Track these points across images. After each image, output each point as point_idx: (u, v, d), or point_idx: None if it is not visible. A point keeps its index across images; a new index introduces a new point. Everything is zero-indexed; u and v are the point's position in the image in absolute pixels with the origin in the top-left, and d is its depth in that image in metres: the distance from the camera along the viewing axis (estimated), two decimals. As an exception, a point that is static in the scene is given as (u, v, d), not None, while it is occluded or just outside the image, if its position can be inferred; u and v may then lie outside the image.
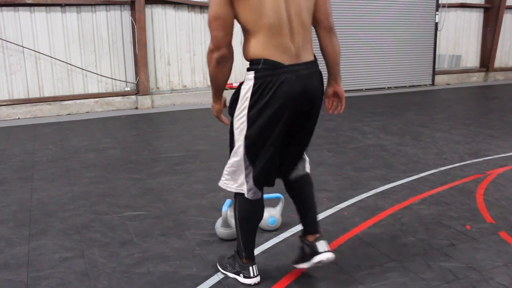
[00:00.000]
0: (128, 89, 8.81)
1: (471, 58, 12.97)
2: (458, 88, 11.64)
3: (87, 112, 8.38)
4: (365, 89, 10.96)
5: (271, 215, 3.20)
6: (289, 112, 2.30)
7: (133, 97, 8.73)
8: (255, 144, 2.34)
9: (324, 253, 2.50)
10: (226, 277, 2.66)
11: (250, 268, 2.58)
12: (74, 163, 5.07)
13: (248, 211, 2.52)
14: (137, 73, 8.71)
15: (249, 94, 2.28)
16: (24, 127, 7.17)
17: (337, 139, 6.02)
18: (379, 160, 5.05)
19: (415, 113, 7.91)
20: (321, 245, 2.53)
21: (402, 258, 2.85)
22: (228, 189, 2.51)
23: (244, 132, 2.33)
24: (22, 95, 8.06)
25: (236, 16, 2.28)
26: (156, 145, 5.90)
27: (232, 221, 3.07)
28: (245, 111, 2.30)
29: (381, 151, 5.40)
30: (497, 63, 13.15)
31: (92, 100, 8.45)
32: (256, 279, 2.57)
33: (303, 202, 2.67)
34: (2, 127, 7.19)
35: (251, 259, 2.61)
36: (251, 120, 2.30)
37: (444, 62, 12.36)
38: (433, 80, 11.91)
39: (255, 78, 2.26)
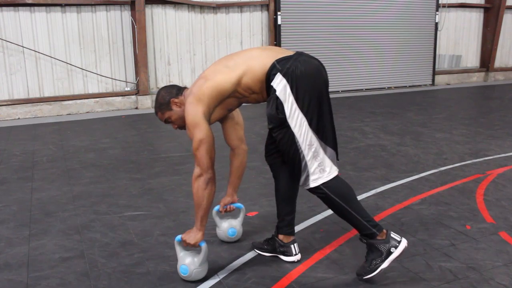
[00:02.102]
0: (128, 89, 8.81)
1: (471, 58, 12.97)
2: (458, 88, 11.64)
3: (87, 112, 8.38)
4: (365, 89, 10.97)
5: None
6: (323, 82, 2.48)
7: (133, 97, 8.73)
8: (319, 123, 2.42)
9: (297, 255, 2.81)
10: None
11: (392, 235, 2.50)
12: (74, 163, 5.07)
13: (346, 187, 2.51)
14: (137, 73, 8.71)
15: (288, 89, 2.35)
16: (24, 127, 7.17)
17: (337, 139, 6.01)
18: (379, 160, 5.05)
19: (415, 113, 7.91)
20: (295, 247, 2.82)
21: (402, 258, 2.85)
22: (322, 183, 2.43)
23: (305, 122, 2.38)
24: (22, 95, 8.06)
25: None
26: (156, 145, 5.90)
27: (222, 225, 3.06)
28: (295, 105, 2.35)
29: (381, 151, 5.40)
30: (497, 63, 13.16)
31: (92, 100, 8.45)
32: (404, 242, 2.50)
33: (290, 202, 2.83)
34: (2, 127, 7.19)
35: (382, 229, 2.51)
36: (304, 107, 2.36)
37: (444, 62, 12.36)
38: (433, 80, 11.92)
39: (283, 75, 2.36)
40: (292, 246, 2.81)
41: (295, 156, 2.42)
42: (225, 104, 2.55)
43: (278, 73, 2.37)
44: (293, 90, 2.35)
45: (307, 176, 2.44)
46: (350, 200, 2.49)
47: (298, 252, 2.82)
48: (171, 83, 2.80)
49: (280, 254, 2.83)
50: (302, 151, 2.41)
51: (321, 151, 2.44)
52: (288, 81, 2.35)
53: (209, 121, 2.51)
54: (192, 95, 2.48)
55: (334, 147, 2.53)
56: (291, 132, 2.39)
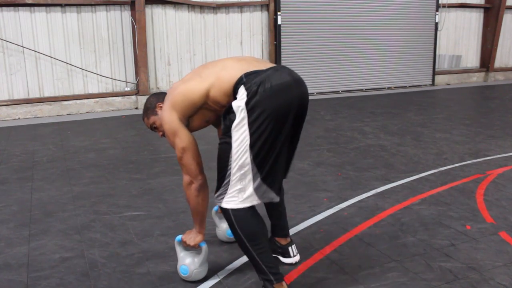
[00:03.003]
0: (128, 89, 8.81)
1: (471, 58, 12.97)
2: (458, 88, 11.64)
3: (87, 112, 8.38)
4: (365, 89, 10.96)
5: (184, 264, 2.63)
6: (292, 103, 2.23)
7: (133, 97, 8.73)
8: (264, 148, 2.18)
9: (295, 257, 2.79)
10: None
11: None
12: (74, 163, 5.07)
13: (257, 224, 2.29)
14: (137, 73, 8.71)
15: (244, 102, 2.15)
16: (24, 127, 7.17)
17: (337, 139, 6.02)
18: (379, 160, 5.05)
19: (415, 113, 7.91)
20: (293, 249, 2.79)
21: (402, 258, 2.85)
22: (231, 208, 2.25)
23: (248, 142, 2.17)
24: (22, 95, 8.06)
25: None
26: (156, 145, 5.90)
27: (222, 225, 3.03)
28: (245, 120, 2.15)
29: (381, 151, 5.40)
30: (497, 63, 13.15)
31: (92, 100, 8.45)
32: None
33: (276, 206, 2.73)
34: (2, 127, 7.19)
35: (281, 279, 2.33)
36: (254, 125, 2.14)
37: (444, 62, 12.36)
38: (433, 80, 11.91)
39: (246, 88, 2.17)
40: (289, 248, 2.78)
41: (222, 168, 2.27)
42: (201, 115, 2.42)
43: (242, 86, 2.18)
44: (248, 104, 2.12)
45: (223, 194, 2.27)
46: (256, 239, 2.27)
47: (297, 254, 2.80)
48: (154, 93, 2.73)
49: (279, 255, 2.83)
50: (230, 168, 2.22)
51: (248, 178, 2.21)
52: (248, 94, 2.14)
53: (188, 128, 2.41)
54: (167, 101, 2.41)
55: (272, 182, 2.26)
56: (229, 144, 2.21)
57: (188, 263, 2.59)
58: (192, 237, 2.56)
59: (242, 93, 2.17)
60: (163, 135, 2.59)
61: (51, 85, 8.25)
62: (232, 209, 2.26)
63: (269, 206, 2.76)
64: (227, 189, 2.26)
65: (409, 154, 5.27)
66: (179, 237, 2.66)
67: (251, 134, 2.14)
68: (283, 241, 2.81)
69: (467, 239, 3.11)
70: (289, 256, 2.79)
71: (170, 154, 5.38)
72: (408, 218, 3.46)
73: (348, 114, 7.85)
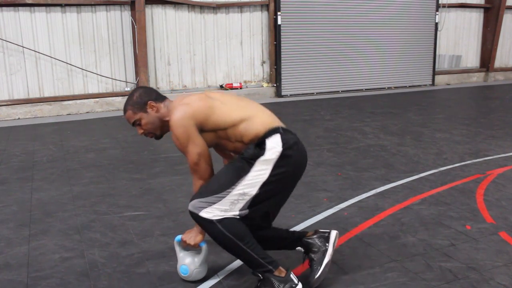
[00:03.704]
0: (128, 89, 8.81)
1: (471, 58, 12.97)
2: (458, 88, 11.64)
3: (87, 112, 8.38)
4: (365, 89, 10.97)
5: (184, 263, 2.61)
6: (300, 175, 2.51)
7: (133, 97, 8.72)
8: (263, 198, 2.34)
9: (333, 230, 2.65)
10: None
11: (291, 275, 2.36)
12: (74, 163, 5.07)
13: (242, 226, 2.34)
14: (137, 73, 8.71)
15: (278, 152, 2.32)
16: (24, 127, 7.17)
17: (337, 139, 6.02)
18: (379, 160, 5.05)
19: (415, 113, 7.91)
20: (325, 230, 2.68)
21: (402, 258, 2.85)
22: (215, 219, 2.28)
23: (260, 182, 2.31)
24: (22, 95, 8.06)
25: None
26: (156, 145, 5.90)
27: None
28: (271, 164, 2.31)
29: (381, 151, 5.40)
30: (497, 63, 13.16)
31: (92, 100, 8.45)
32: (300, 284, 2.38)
33: (275, 231, 2.69)
34: (2, 127, 7.19)
35: (278, 265, 2.37)
36: (273, 176, 2.32)
37: (444, 62, 12.36)
38: (433, 80, 11.92)
39: (282, 139, 2.35)
40: (291, 275, 2.40)
41: (226, 182, 2.33)
42: (209, 136, 2.44)
43: (279, 135, 2.35)
44: (283, 152, 2.31)
45: (206, 204, 2.31)
46: (246, 236, 2.32)
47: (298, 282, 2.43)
48: (144, 86, 2.65)
49: (323, 244, 2.59)
50: (234, 188, 2.31)
51: (238, 206, 2.31)
52: (283, 145, 2.32)
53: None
54: (187, 107, 2.37)
55: (251, 222, 2.39)
56: (247, 169, 2.32)
57: (188, 263, 2.59)
58: (192, 236, 2.55)
59: (277, 140, 2.33)
60: (144, 133, 2.54)
61: (51, 85, 8.25)
62: (217, 220, 2.30)
63: (274, 236, 2.67)
64: (214, 202, 2.31)
65: (409, 154, 5.27)
66: (178, 237, 2.65)
67: (270, 175, 2.31)
68: (311, 233, 2.66)
69: (467, 239, 3.11)
70: (329, 234, 2.61)
71: (170, 154, 5.38)
72: (408, 218, 3.46)
73: (348, 114, 7.85)
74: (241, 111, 2.43)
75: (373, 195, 3.97)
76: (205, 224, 2.34)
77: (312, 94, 10.34)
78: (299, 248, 2.60)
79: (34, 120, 7.72)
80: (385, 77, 11.25)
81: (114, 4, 8.47)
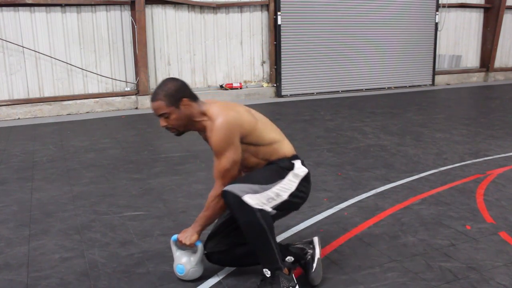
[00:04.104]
0: (128, 89, 8.81)
1: (471, 58, 12.97)
2: (458, 88, 11.64)
3: (87, 112, 8.38)
4: (365, 89, 10.96)
5: (180, 263, 2.61)
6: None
7: (133, 97, 8.73)
8: (285, 208, 2.54)
9: (314, 237, 2.74)
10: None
11: (293, 275, 2.47)
12: (74, 163, 5.07)
13: (272, 221, 2.43)
14: (137, 73, 8.71)
15: (304, 173, 2.56)
16: (24, 127, 7.17)
17: (337, 139, 6.02)
18: (379, 160, 5.05)
19: (415, 113, 7.91)
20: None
21: (402, 258, 2.85)
22: (253, 204, 2.34)
23: (290, 191, 2.49)
24: (22, 95, 8.06)
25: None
26: (156, 145, 5.90)
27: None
28: (298, 180, 2.54)
29: (381, 151, 5.40)
30: (497, 63, 13.15)
31: (92, 100, 8.45)
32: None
33: None
34: (2, 127, 7.19)
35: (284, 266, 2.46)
36: (299, 192, 2.54)
37: (444, 62, 12.36)
38: (433, 80, 11.92)
39: (303, 165, 2.61)
40: (292, 275, 2.50)
41: (268, 178, 2.45)
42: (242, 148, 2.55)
43: (299, 161, 2.60)
44: (306, 176, 2.57)
45: (253, 193, 2.35)
46: (273, 231, 2.40)
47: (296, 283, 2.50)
48: (178, 78, 2.61)
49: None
50: (274, 185, 2.43)
51: (272, 205, 2.40)
52: (306, 171, 2.58)
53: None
54: (237, 115, 2.42)
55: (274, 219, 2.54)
56: (283, 175, 2.49)
57: (184, 262, 2.59)
58: (188, 236, 2.55)
59: (300, 165, 2.58)
60: (167, 126, 2.49)
61: (51, 85, 8.25)
62: (258, 208, 2.33)
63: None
64: (258, 192, 2.37)
65: (409, 154, 5.27)
66: (174, 236, 2.65)
67: (296, 189, 2.52)
68: (294, 243, 2.76)
69: (467, 239, 3.11)
70: (312, 242, 2.69)
71: (170, 154, 5.38)
72: (408, 218, 3.46)
73: (348, 114, 7.85)
74: (275, 132, 2.60)
75: (373, 195, 3.97)
76: (244, 209, 2.32)
77: (312, 94, 10.34)
78: (289, 258, 2.59)
79: (34, 120, 7.72)
80: (385, 77, 11.25)
81: (114, 4, 8.47)
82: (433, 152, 5.34)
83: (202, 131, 2.52)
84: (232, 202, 2.33)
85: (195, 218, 3.49)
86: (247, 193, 2.33)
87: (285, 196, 2.45)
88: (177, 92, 2.45)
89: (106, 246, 3.08)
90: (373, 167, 4.78)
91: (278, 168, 2.50)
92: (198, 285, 2.59)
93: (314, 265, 2.56)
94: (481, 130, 6.47)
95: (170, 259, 2.88)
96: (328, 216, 3.51)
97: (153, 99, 2.48)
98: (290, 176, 2.50)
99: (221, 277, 2.66)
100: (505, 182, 4.25)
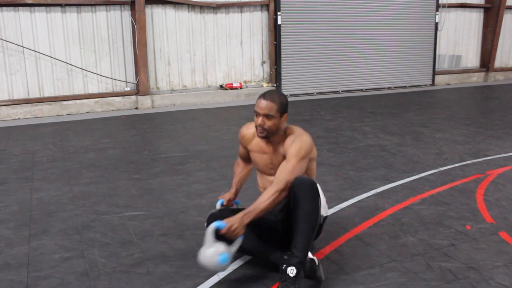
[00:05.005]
0: (128, 89, 8.81)
1: (471, 58, 12.97)
2: (458, 88, 11.64)
3: (87, 112, 8.38)
4: (365, 89, 10.96)
5: (223, 251, 2.47)
6: None
7: (133, 97, 8.73)
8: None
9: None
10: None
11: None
12: (74, 163, 5.07)
13: None
14: (137, 73, 8.71)
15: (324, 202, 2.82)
16: (24, 127, 7.17)
17: (337, 139, 6.02)
18: (379, 160, 5.05)
19: (415, 113, 7.90)
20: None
21: (402, 258, 2.85)
22: (321, 196, 2.70)
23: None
24: (22, 95, 8.06)
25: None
26: (156, 145, 5.90)
27: None
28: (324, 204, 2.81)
29: (381, 151, 5.40)
30: (497, 63, 13.16)
31: (92, 100, 8.45)
32: None
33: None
34: (2, 127, 7.19)
35: None
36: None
37: (444, 62, 12.36)
38: (433, 80, 11.92)
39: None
40: None
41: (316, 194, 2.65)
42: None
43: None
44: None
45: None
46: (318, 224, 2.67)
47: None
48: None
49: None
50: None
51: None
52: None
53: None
54: (312, 142, 2.78)
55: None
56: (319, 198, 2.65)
57: (228, 251, 2.45)
58: (239, 228, 2.46)
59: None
60: (259, 127, 2.70)
61: (51, 85, 8.25)
62: (321, 200, 2.64)
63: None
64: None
65: (409, 154, 5.27)
66: (218, 224, 2.48)
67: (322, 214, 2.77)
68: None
69: (467, 239, 3.11)
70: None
71: (170, 154, 5.38)
72: (408, 218, 3.46)
73: (348, 114, 7.85)
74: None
75: (373, 195, 3.97)
76: (314, 193, 2.57)
77: (312, 94, 10.34)
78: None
79: (34, 120, 7.72)
80: (385, 77, 11.25)
81: (114, 4, 8.47)
82: (433, 152, 5.34)
83: (279, 142, 2.77)
84: (308, 184, 2.56)
85: (195, 218, 3.51)
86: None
87: (322, 212, 2.70)
88: (287, 106, 2.76)
89: (106, 246, 3.08)
90: (373, 167, 4.78)
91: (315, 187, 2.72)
92: (198, 285, 2.59)
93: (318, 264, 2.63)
94: (481, 130, 6.47)
95: (170, 259, 2.88)
96: (328, 216, 3.50)
97: (268, 99, 2.70)
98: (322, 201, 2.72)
99: (221, 277, 2.66)
100: (505, 182, 4.24)
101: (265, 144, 2.84)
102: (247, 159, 3.11)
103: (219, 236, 2.47)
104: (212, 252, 2.44)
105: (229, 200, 3.02)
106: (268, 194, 2.56)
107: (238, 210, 2.66)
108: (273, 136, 2.75)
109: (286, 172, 2.61)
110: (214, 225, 2.48)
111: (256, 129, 2.73)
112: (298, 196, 2.53)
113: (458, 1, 12.11)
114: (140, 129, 6.95)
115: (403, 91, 10.95)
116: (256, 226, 2.64)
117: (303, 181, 2.57)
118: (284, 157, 2.72)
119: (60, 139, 6.29)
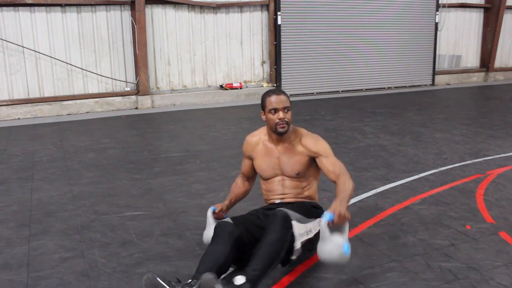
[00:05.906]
0: (128, 89, 8.81)
1: (471, 58, 12.97)
2: (458, 88, 11.64)
3: (87, 112, 8.38)
4: (365, 89, 10.96)
5: (342, 241, 2.50)
6: None
7: (133, 97, 8.73)
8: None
9: None
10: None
11: None
12: (74, 163, 5.07)
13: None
14: (137, 73, 8.71)
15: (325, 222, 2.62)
16: (24, 127, 7.17)
17: (337, 139, 6.02)
18: (379, 160, 5.05)
19: (415, 113, 7.90)
20: None
21: (402, 258, 2.85)
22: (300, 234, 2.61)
23: (315, 232, 2.70)
24: (22, 95, 8.06)
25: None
26: (156, 145, 5.90)
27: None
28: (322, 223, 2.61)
29: (381, 151, 5.40)
30: (497, 63, 13.15)
31: (92, 100, 8.45)
32: None
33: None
34: (2, 127, 7.19)
35: None
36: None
37: (444, 62, 12.36)
38: (433, 80, 11.91)
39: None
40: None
41: (310, 215, 2.81)
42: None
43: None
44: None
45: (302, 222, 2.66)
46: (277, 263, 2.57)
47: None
48: None
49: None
50: (308, 227, 2.67)
51: (302, 239, 2.57)
52: None
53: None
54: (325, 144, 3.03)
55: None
56: (318, 216, 2.79)
57: (346, 240, 2.48)
58: (345, 213, 2.53)
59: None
60: (286, 119, 2.78)
61: (51, 85, 8.25)
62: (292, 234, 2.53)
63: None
64: (300, 221, 2.65)
65: (409, 154, 5.27)
66: (331, 216, 2.50)
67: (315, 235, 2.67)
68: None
69: (467, 239, 3.11)
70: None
71: (170, 154, 5.38)
72: (408, 218, 3.46)
73: (348, 114, 7.85)
74: None
75: (373, 195, 3.97)
76: (286, 230, 2.50)
77: (312, 94, 10.34)
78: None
79: (34, 120, 7.72)
80: (385, 77, 11.25)
81: (114, 4, 8.46)
82: (433, 152, 5.34)
83: (291, 140, 2.87)
84: (282, 219, 2.53)
85: (195, 218, 3.51)
86: (296, 218, 2.61)
87: (313, 234, 2.65)
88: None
89: (106, 246, 3.08)
90: (373, 167, 4.78)
91: (315, 210, 2.90)
92: (198, 285, 2.59)
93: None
94: (481, 130, 6.47)
95: (170, 259, 2.88)
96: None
97: (281, 93, 2.81)
98: (315, 222, 2.75)
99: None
100: (505, 182, 4.24)
101: (274, 146, 2.89)
102: (249, 174, 3.09)
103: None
104: (334, 246, 2.47)
105: (221, 211, 2.93)
106: (344, 181, 2.83)
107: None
108: (289, 132, 2.84)
109: (336, 164, 2.92)
110: (325, 219, 2.52)
111: (277, 126, 2.76)
112: (274, 225, 2.51)
113: (458, 1, 12.10)
114: (140, 129, 6.95)
115: (403, 91, 10.95)
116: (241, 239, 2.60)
117: (276, 212, 2.57)
118: (301, 154, 2.85)
119: (60, 139, 6.29)
